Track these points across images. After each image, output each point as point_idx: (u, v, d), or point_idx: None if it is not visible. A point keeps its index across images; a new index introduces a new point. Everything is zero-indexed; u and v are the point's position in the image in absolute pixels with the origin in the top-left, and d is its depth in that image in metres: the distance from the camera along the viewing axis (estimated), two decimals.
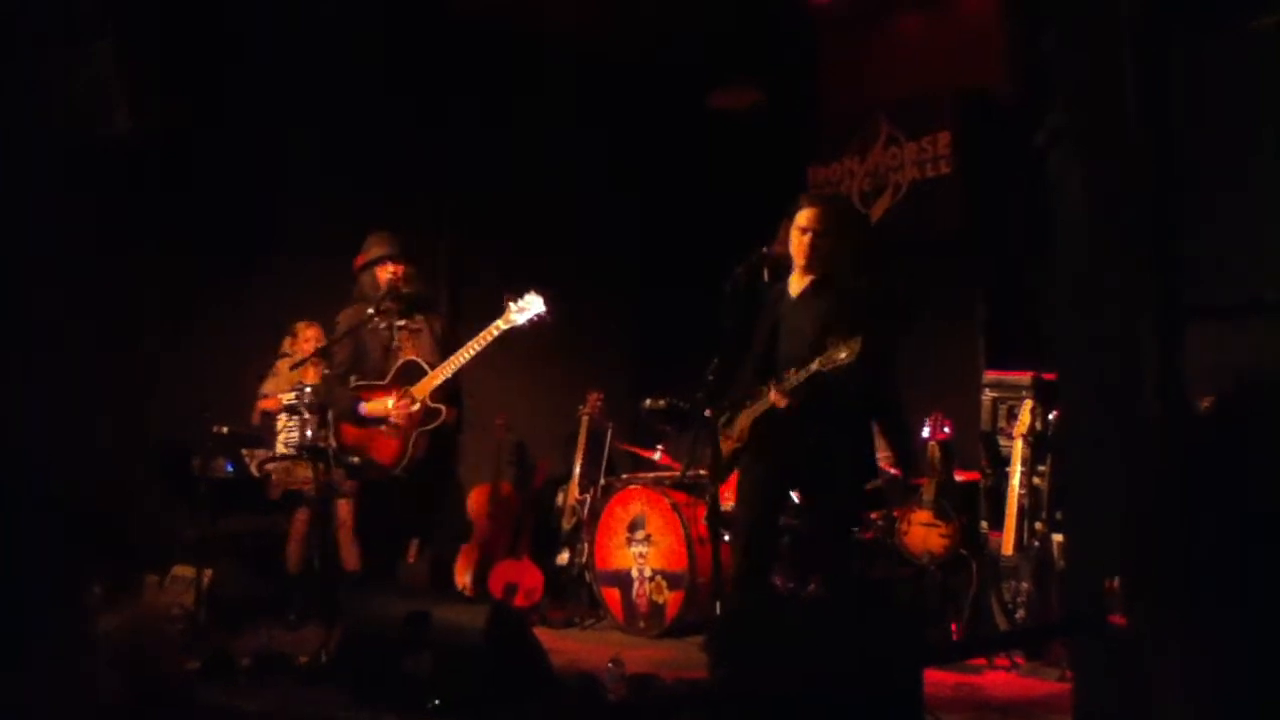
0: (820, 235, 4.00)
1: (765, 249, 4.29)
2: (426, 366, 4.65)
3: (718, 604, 3.97)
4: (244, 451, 5.57)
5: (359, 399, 4.64)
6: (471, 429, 6.72)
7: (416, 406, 4.57)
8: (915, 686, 2.87)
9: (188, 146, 5.63)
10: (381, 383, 4.66)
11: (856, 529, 4.77)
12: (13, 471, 1.84)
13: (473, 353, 4.58)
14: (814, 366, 3.72)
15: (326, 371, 5.02)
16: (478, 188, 6.71)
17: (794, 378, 3.83)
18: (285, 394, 5.50)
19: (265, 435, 5.64)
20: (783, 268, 4.30)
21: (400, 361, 4.67)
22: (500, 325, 4.56)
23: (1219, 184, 2.17)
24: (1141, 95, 2.18)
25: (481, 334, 4.57)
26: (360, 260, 4.78)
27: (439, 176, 6.62)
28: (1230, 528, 1.95)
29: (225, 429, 5.33)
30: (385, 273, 4.70)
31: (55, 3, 2.06)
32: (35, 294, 1.94)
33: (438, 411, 4.63)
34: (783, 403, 3.86)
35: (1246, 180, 2.14)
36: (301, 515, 5.59)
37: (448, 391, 4.67)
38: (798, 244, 4.04)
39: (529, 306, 4.58)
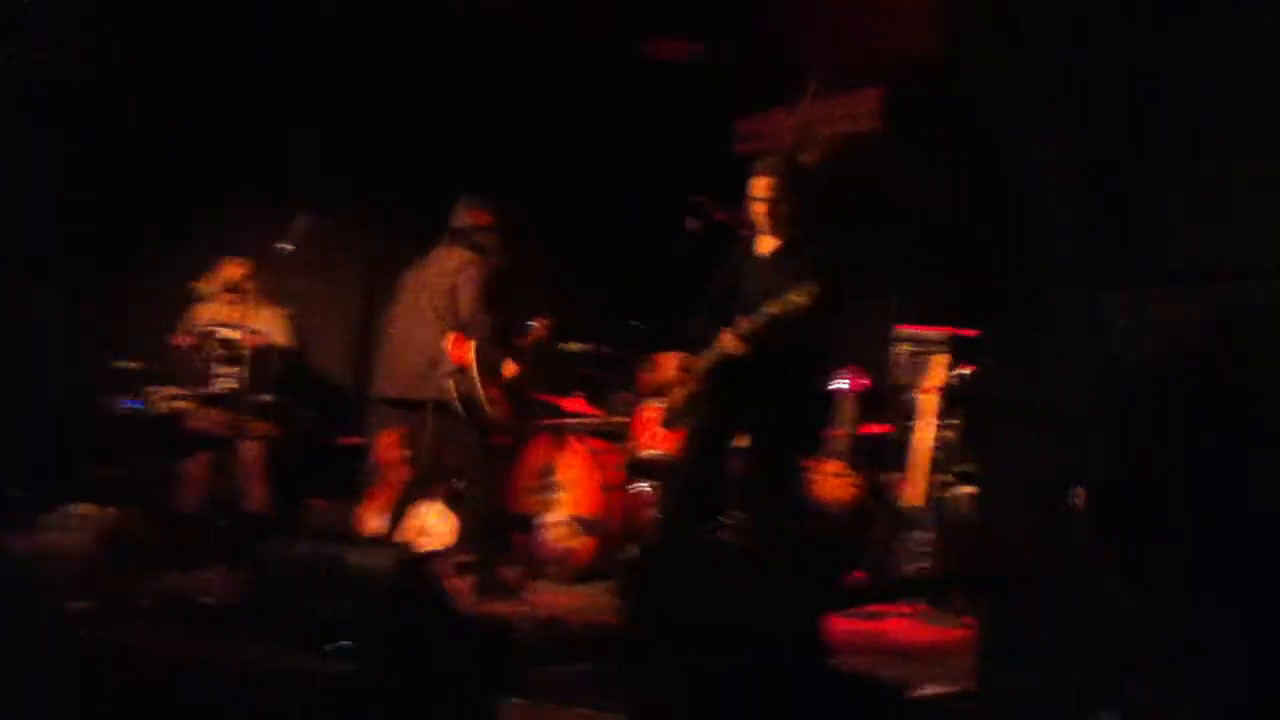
0: (774, 203, 4.03)
1: (694, 199, 4.30)
2: None
3: (630, 549, 4.00)
4: (149, 389, 5.41)
5: None
6: None
7: None
8: (821, 631, 2.92)
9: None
10: None
11: (796, 482, 4.82)
12: None
13: None
14: (769, 311, 3.77)
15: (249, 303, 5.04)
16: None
17: (749, 324, 3.87)
18: (226, 331, 5.34)
19: (183, 370, 5.49)
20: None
21: None
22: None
23: (1147, 154, 2.20)
24: (1074, 64, 2.19)
25: None
26: None
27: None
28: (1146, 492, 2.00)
29: (130, 364, 5.18)
30: None
31: None
32: None
33: None
34: (738, 348, 3.89)
35: (1170, 151, 2.18)
36: (202, 457, 5.45)
37: None
38: (754, 212, 4.08)
39: None
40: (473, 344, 4.81)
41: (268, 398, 5.47)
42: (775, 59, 6.64)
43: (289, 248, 4.98)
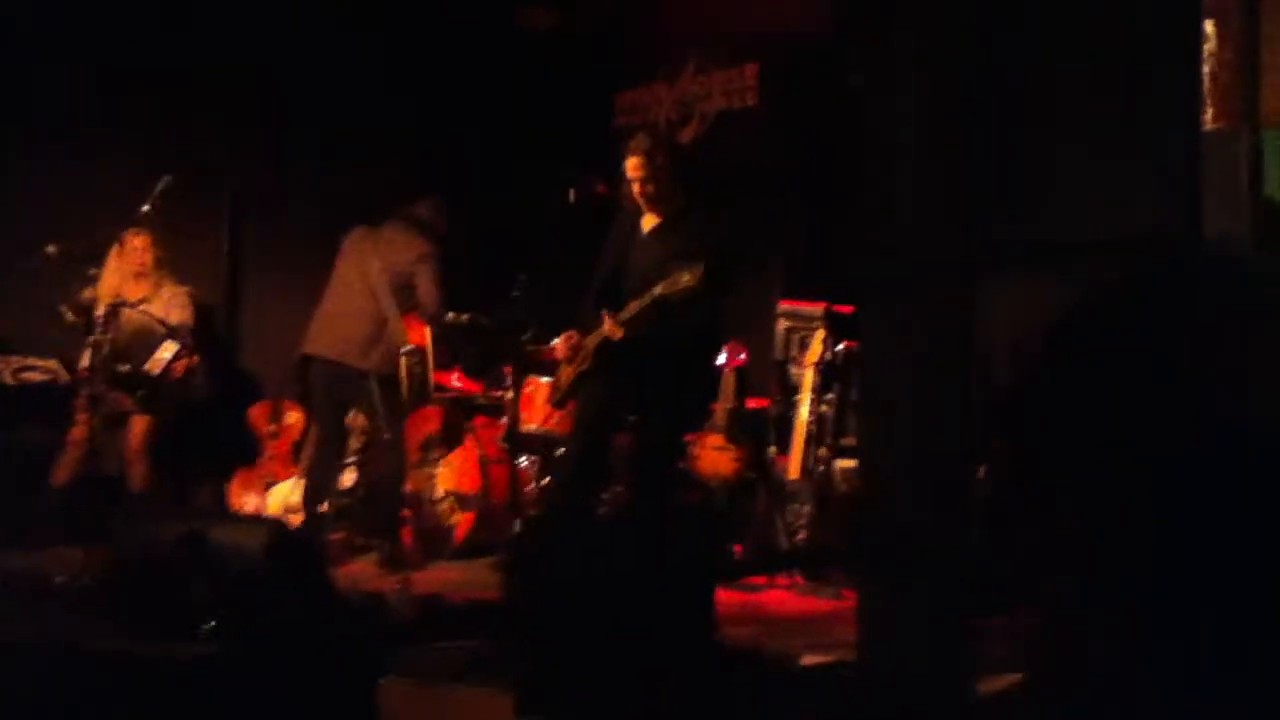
0: (646, 180, 4.03)
1: (573, 169, 4.27)
2: None
3: (516, 523, 3.96)
4: None
5: None
6: (253, 344, 6.42)
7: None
8: (708, 603, 2.93)
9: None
10: None
11: (681, 458, 4.83)
12: None
13: None
14: (657, 291, 3.78)
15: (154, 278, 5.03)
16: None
17: (631, 309, 3.89)
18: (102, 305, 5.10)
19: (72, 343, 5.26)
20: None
21: None
22: None
23: (1029, 124, 2.23)
24: (964, 30, 2.21)
25: None
26: None
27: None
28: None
29: None
30: None
31: None
32: None
33: None
34: (617, 334, 3.92)
35: (1055, 121, 2.21)
36: (81, 429, 5.16)
37: None
38: (633, 191, 4.09)
39: None
40: (429, 331, 5.18)
41: (145, 373, 5.26)
42: (654, 33, 6.61)
43: (148, 209, 4.76)
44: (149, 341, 5.35)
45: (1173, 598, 1.69)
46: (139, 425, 5.31)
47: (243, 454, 6.01)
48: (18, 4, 5.45)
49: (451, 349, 5.94)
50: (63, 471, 5.17)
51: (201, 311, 5.82)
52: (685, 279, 3.70)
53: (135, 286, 5.32)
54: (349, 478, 5.85)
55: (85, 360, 5.12)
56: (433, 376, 5.24)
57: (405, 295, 5.00)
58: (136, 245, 5.27)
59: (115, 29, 5.81)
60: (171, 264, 5.52)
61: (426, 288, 4.98)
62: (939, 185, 2.21)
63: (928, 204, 2.24)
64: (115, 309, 5.02)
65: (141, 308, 5.29)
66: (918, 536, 2.30)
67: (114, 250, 5.27)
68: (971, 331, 2.19)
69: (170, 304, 5.44)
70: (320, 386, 5.22)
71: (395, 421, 5.07)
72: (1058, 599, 1.95)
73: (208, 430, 6.06)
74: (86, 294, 5.24)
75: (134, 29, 5.86)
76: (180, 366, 5.40)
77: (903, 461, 2.35)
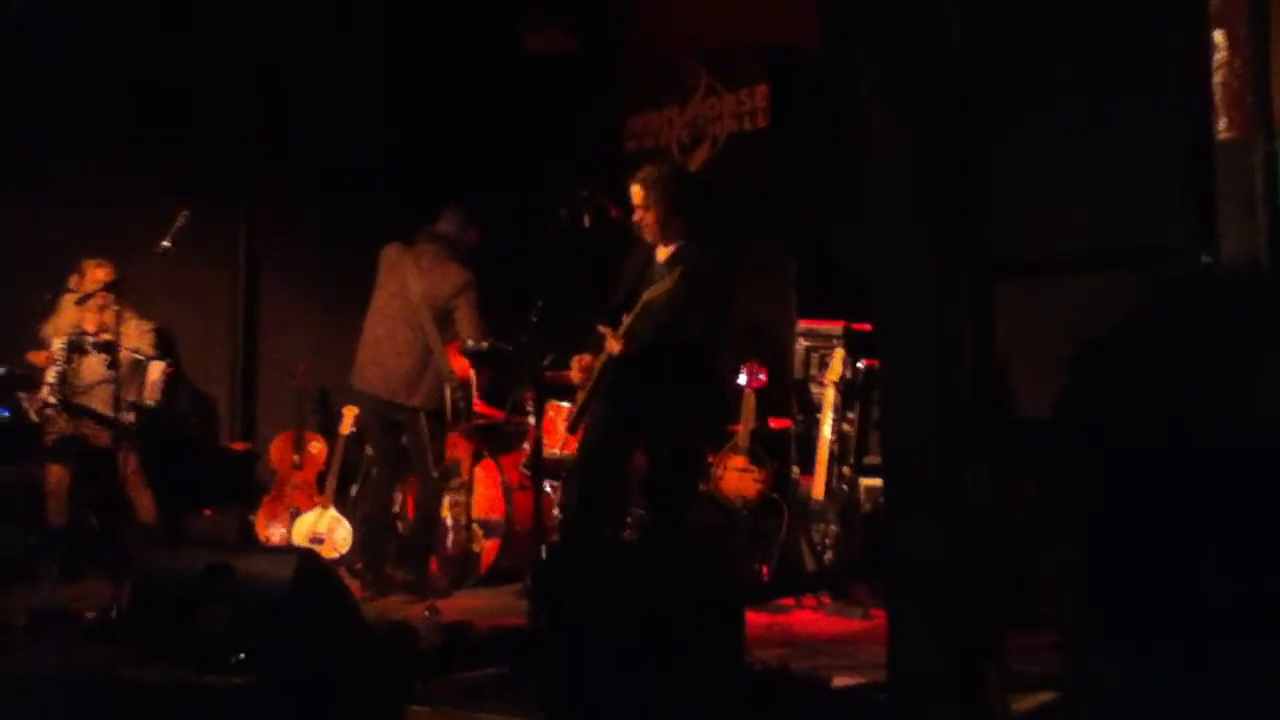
0: (648, 208, 4.08)
1: (586, 193, 4.28)
2: None
3: (542, 549, 3.96)
4: (22, 395, 5.12)
5: None
6: (272, 375, 6.46)
7: None
8: (738, 627, 2.92)
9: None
10: None
11: (696, 476, 4.82)
12: None
13: None
14: (644, 298, 3.83)
15: (116, 309, 4.85)
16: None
17: (625, 322, 3.94)
18: (60, 338, 5.10)
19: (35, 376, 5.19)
20: (605, 212, 4.34)
21: None
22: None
23: (1030, 139, 2.24)
24: (958, 48, 2.21)
25: None
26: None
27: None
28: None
29: (1, 369, 4.92)
30: None
31: None
32: None
33: None
34: (616, 347, 3.95)
35: (1057, 136, 2.21)
36: (55, 470, 5.14)
37: None
38: (637, 222, 4.13)
39: None
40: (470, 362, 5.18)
41: (146, 405, 5.25)
42: (661, 55, 6.64)
43: (169, 245, 4.76)
44: (131, 371, 5.18)
45: (1189, 605, 1.70)
46: (130, 457, 5.22)
47: (268, 485, 6.05)
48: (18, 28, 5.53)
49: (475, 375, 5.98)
50: (55, 513, 5.14)
51: (172, 345, 5.82)
52: (665, 283, 3.77)
53: (96, 318, 5.17)
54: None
55: (49, 395, 5.01)
56: (475, 406, 5.35)
57: (445, 325, 4.96)
58: (99, 276, 5.12)
59: (127, 57, 5.90)
60: (137, 300, 5.37)
61: (469, 317, 4.91)
62: (941, 203, 2.22)
63: (932, 221, 2.24)
64: (79, 340, 5.01)
65: (103, 338, 5.07)
66: (943, 556, 2.29)
67: (73, 280, 5.20)
68: (988, 347, 2.19)
69: (139, 338, 5.34)
70: (371, 417, 5.22)
71: (439, 455, 5.05)
72: (1086, 616, 1.94)
73: (228, 461, 6.11)
74: (47, 329, 5.20)
75: (145, 56, 5.95)
76: (171, 375, 5.30)
77: (925, 480, 2.35)
